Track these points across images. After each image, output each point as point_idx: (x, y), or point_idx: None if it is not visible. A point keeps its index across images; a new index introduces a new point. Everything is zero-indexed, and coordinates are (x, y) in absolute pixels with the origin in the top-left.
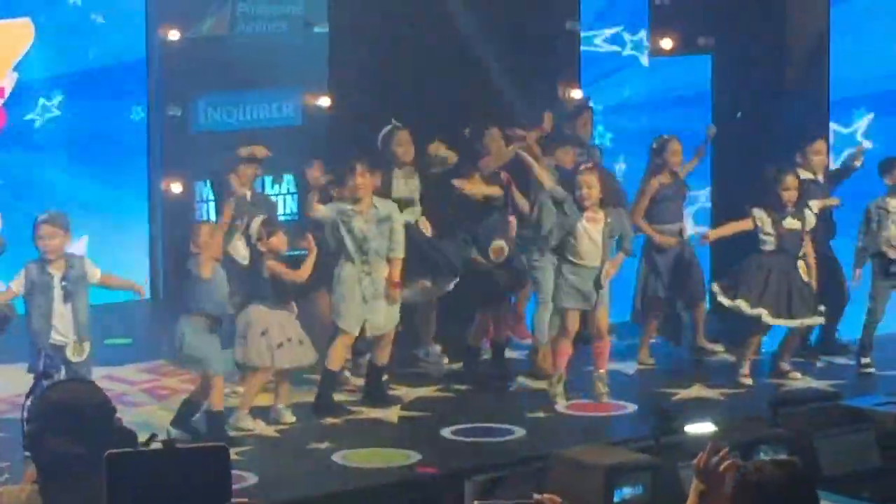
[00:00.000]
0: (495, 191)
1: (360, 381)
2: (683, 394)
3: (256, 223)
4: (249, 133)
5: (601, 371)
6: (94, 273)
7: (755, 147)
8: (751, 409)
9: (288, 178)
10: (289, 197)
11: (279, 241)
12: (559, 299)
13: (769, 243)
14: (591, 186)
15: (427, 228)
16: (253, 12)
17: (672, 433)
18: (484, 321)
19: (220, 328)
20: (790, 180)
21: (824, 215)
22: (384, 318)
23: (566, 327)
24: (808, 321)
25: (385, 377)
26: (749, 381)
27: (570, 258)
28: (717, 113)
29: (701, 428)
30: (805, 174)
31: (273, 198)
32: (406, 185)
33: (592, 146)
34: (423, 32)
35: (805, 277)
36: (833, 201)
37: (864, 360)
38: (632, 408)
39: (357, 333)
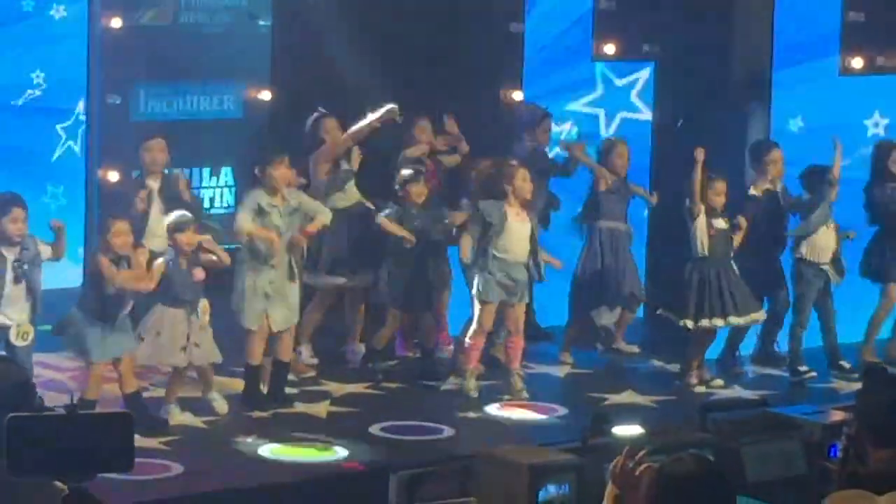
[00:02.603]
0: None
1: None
2: (615, 399)
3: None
4: (189, 124)
5: (515, 367)
6: (46, 249)
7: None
8: (681, 415)
9: (226, 170)
10: (226, 190)
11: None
12: (483, 294)
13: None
14: (524, 180)
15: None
16: (197, 3)
17: (602, 435)
18: (395, 321)
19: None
20: (720, 186)
21: (774, 226)
22: (284, 315)
23: (481, 322)
24: (756, 315)
25: (290, 375)
26: (702, 388)
27: (495, 253)
28: (659, 120)
29: (629, 430)
30: (763, 185)
31: (210, 190)
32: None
33: (544, 154)
34: (367, 29)
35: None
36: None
37: (803, 368)
38: (562, 411)
39: (256, 327)
